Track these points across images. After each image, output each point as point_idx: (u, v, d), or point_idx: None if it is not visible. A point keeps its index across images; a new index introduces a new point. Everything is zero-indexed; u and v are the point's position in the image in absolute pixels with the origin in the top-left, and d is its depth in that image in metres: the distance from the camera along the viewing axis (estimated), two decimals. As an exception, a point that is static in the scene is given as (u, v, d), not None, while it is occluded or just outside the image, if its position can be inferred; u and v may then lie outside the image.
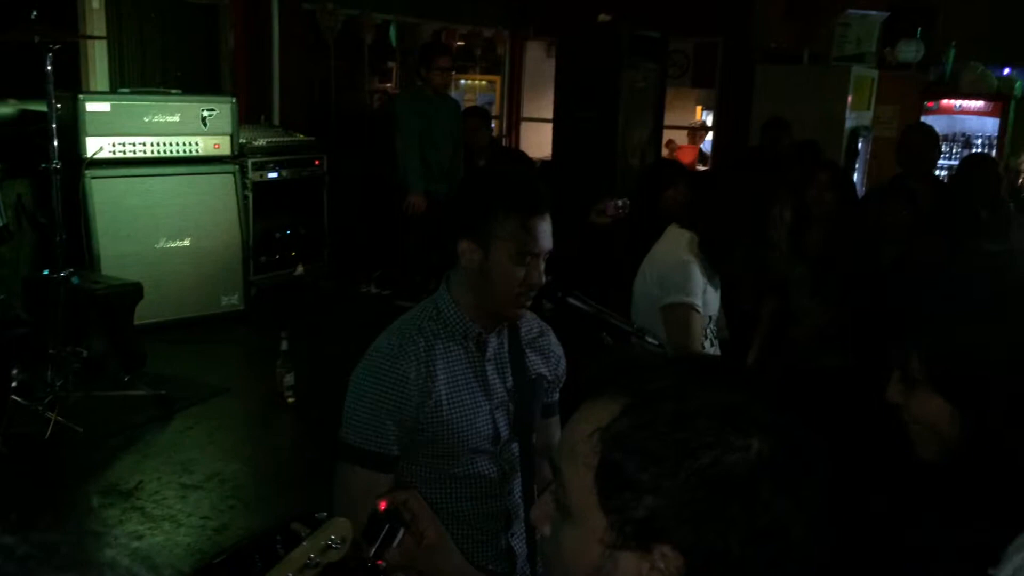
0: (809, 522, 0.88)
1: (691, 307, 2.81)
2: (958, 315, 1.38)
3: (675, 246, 2.94)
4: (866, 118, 8.65)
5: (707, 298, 2.92)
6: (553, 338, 2.17)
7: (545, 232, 1.91)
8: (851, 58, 7.99)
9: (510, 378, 2.03)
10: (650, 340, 2.34)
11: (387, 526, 1.33)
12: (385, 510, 1.34)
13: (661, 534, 0.87)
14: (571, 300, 2.38)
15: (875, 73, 8.53)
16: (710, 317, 2.97)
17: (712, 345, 2.97)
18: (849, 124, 8.16)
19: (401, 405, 1.86)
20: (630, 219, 5.30)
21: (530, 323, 2.11)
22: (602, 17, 6.07)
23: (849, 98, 8.03)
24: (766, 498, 0.86)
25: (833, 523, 0.92)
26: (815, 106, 7.67)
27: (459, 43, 9.22)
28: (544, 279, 1.94)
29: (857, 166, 8.54)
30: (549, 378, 2.13)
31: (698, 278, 2.86)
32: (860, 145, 8.48)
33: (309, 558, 1.30)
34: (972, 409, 1.33)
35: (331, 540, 1.35)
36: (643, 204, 4.76)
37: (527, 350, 2.09)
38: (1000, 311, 1.36)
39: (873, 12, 8.03)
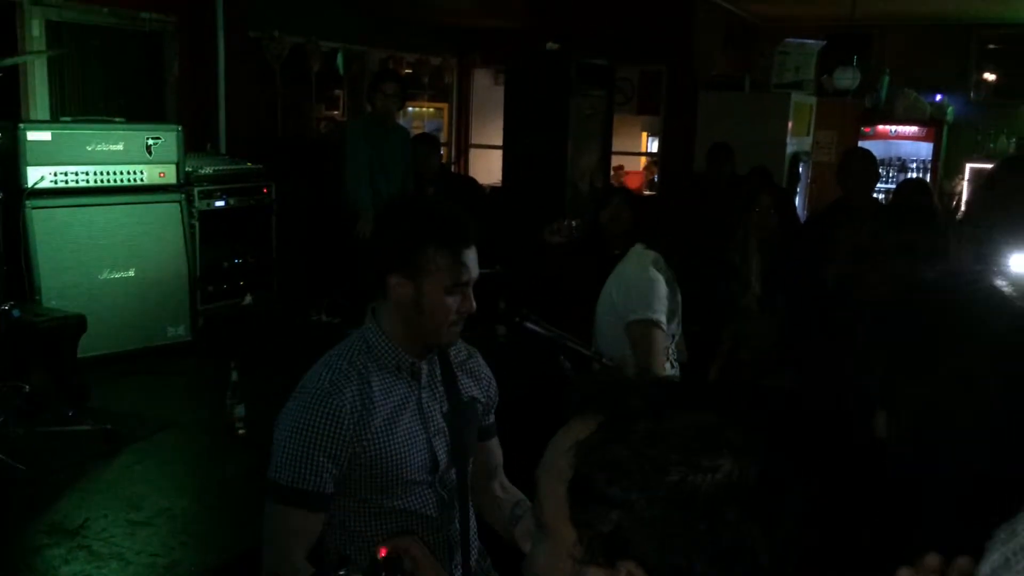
0: (777, 547, 0.88)
1: (655, 324, 2.88)
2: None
3: (640, 265, 3.00)
4: (806, 143, 8.90)
5: (670, 309, 2.97)
6: (480, 360, 2.19)
7: (474, 261, 1.94)
8: (790, 85, 8.23)
9: (445, 403, 2.03)
10: (606, 363, 2.37)
11: (386, 575, 1.30)
12: (385, 557, 1.30)
13: (627, 550, 0.88)
14: (528, 325, 2.40)
15: (813, 100, 8.79)
16: (672, 337, 3.02)
17: (672, 367, 3.02)
18: (790, 149, 8.39)
19: (336, 441, 1.84)
20: (580, 241, 5.39)
21: (457, 347, 2.12)
22: (550, 45, 6.16)
23: (789, 124, 8.25)
24: (732, 520, 0.86)
25: (803, 550, 0.93)
26: (757, 132, 7.88)
27: (407, 71, 9.26)
28: (475, 306, 1.96)
29: (799, 189, 8.76)
30: (482, 400, 2.15)
31: (663, 296, 2.91)
32: (801, 169, 8.70)
33: None
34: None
35: None
36: (589, 226, 4.87)
37: (458, 373, 2.11)
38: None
39: (810, 41, 8.28)
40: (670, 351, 3.06)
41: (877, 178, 5.59)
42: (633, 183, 9.54)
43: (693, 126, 8.28)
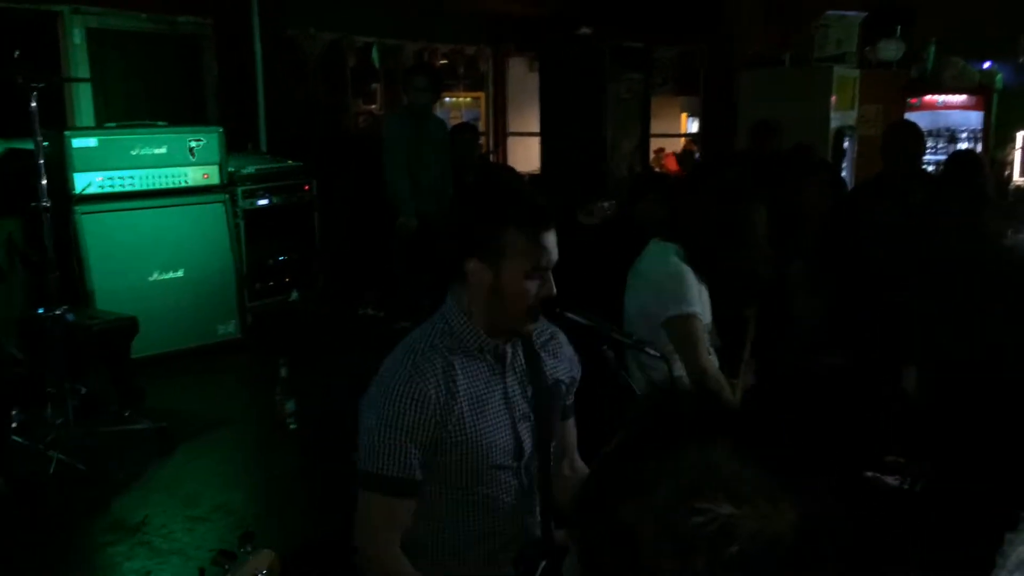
0: None
1: (693, 316, 2.84)
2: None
3: (663, 258, 2.94)
4: (850, 117, 8.70)
5: (702, 304, 2.93)
6: (563, 339, 2.15)
7: (554, 244, 1.90)
8: (832, 59, 8.04)
9: (529, 387, 2.01)
10: (650, 351, 2.34)
11: None
12: None
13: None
14: (570, 315, 2.38)
15: (857, 72, 8.58)
16: (708, 323, 2.99)
17: (710, 354, 2.98)
18: (834, 124, 8.20)
19: (422, 427, 1.82)
20: (614, 225, 5.35)
21: (540, 327, 2.07)
22: (583, 30, 6.10)
23: (832, 98, 8.07)
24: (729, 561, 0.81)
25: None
26: (799, 108, 7.71)
27: (442, 61, 9.25)
28: (555, 290, 1.93)
29: (844, 165, 8.59)
30: (565, 381, 2.12)
31: (693, 286, 2.88)
32: (846, 144, 8.52)
33: None
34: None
35: (259, 572, 1.34)
36: (622, 214, 4.83)
37: (542, 354, 2.08)
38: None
39: (852, 12, 8.09)
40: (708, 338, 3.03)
41: (922, 151, 5.45)
42: (674, 165, 9.44)
43: (734, 104, 8.15)
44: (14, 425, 3.68)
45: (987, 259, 3.18)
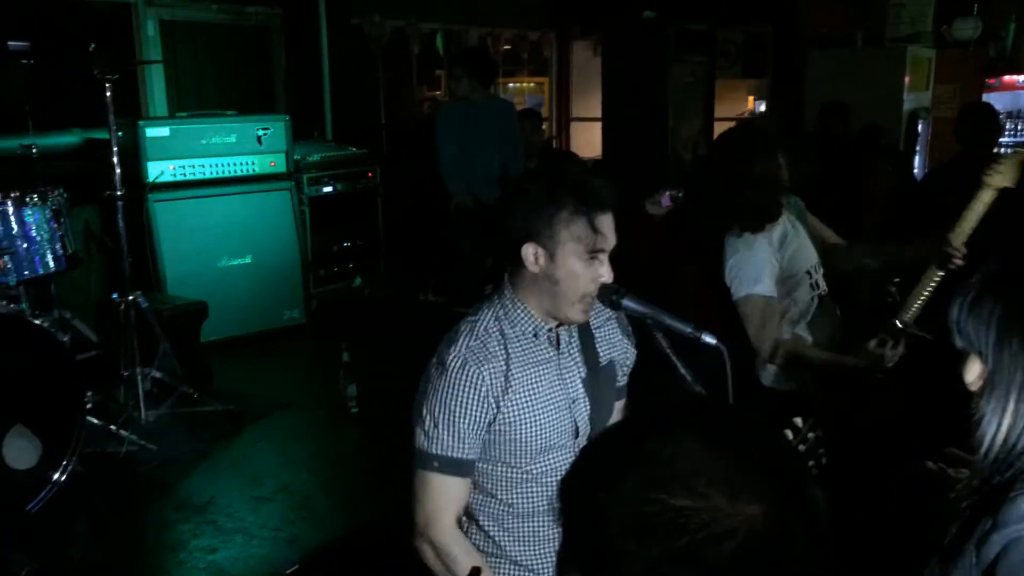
0: None
1: (758, 296, 2.85)
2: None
3: (730, 244, 2.95)
4: (925, 99, 8.45)
5: (788, 259, 2.92)
6: (621, 320, 2.15)
7: (611, 228, 1.89)
8: (906, 38, 7.82)
9: (584, 369, 2.02)
10: (707, 339, 2.32)
11: None
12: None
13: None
14: (626, 302, 2.37)
15: (932, 53, 8.32)
16: (808, 272, 2.97)
17: (820, 302, 2.98)
18: (908, 106, 7.99)
19: (477, 408, 1.85)
20: (681, 213, 5.30)
21: (599, 309, 2.05)
22: (647, 13, 6.03)
23: (907, 79, 7.85)
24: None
25: None
26: (871, 89, 7.53)
27: (505, 47, 9.25)
28: (612, 275, 1.92)
29: (918, 148, 8.34)
30: (620, 362, 2.13)
31: (761, 260, 2.86)
32: (920, 127, 8.28)
33: None
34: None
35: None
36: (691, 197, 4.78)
37: (597, 335, 2.08)
38: None
39: (927, -10, 7.83)
40: (813, 282, 2.99)
41: (998, 133, 5.26)
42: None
43: (802, 86, 7.98)
44: (89, 407, 3.81)
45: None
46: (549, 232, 1.85)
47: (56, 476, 3.50)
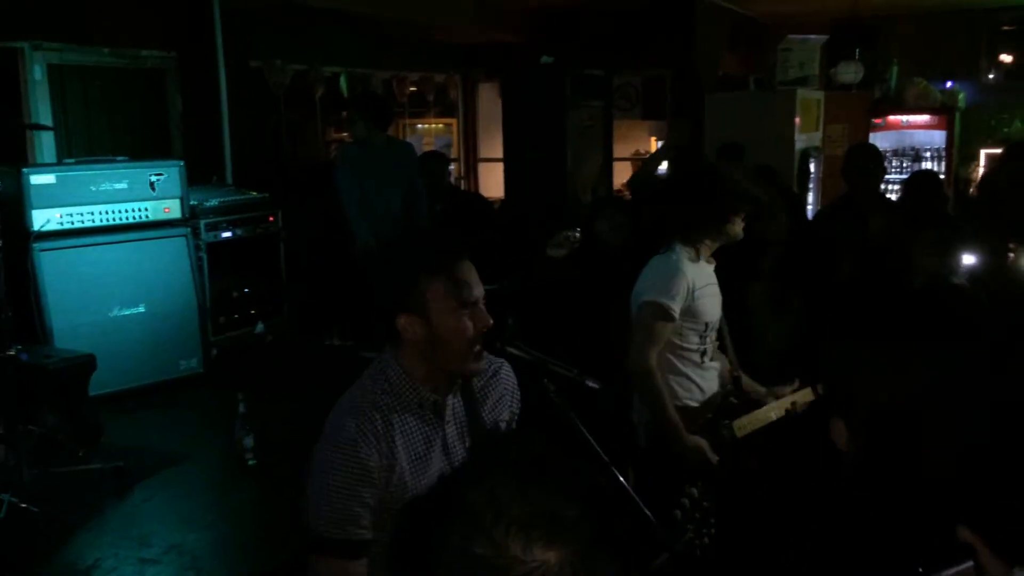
0: None
1: (661, 308, 2.87)
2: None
3: (662, 255, 3.00)
4: (816, 139, 8.80)
5: (698, 305, 2.95)
6: (506, 372, 2.16)
7: (474, 276, 1.92)
8: (795, 81, 8.15)
9: (469, 439, 2.01)
10: (590, 384, 2.35)
11: None
12: None
13: None
14: (510, 349, 2.39)
15: (821, 94, 8.69)
16: (706, 324, 3.01)
17: (711, 359, 3.02)
18: (799, 146, 8.30)
19: (367, 490, 1.84)
20: (581, 251, 5.37)
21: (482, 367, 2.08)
22: (545, 59, 6.16)
23: (797, 120, 8.17)
24: None
25: None
26: (765, 130, 7.81)
27: (412, 88, 9.30)
28: (491, 321, 1.94)
29: (811, 186, 8.66)
30: (506, 419, 2.13)
31: (682, 282, 2.90)
32: (812, 165, 8.61)
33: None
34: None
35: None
36: (587, 237, 4.87)
37: (482, 398, 2.08)
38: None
39: (812, 36, 8.19)
40: (706, 336, 3.03)
41: (881, 173, 5.51)
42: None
43: (700, 127, 8.23)
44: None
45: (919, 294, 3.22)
46: (416, 298, 1.87)
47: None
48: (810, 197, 8.68)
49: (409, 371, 1.94)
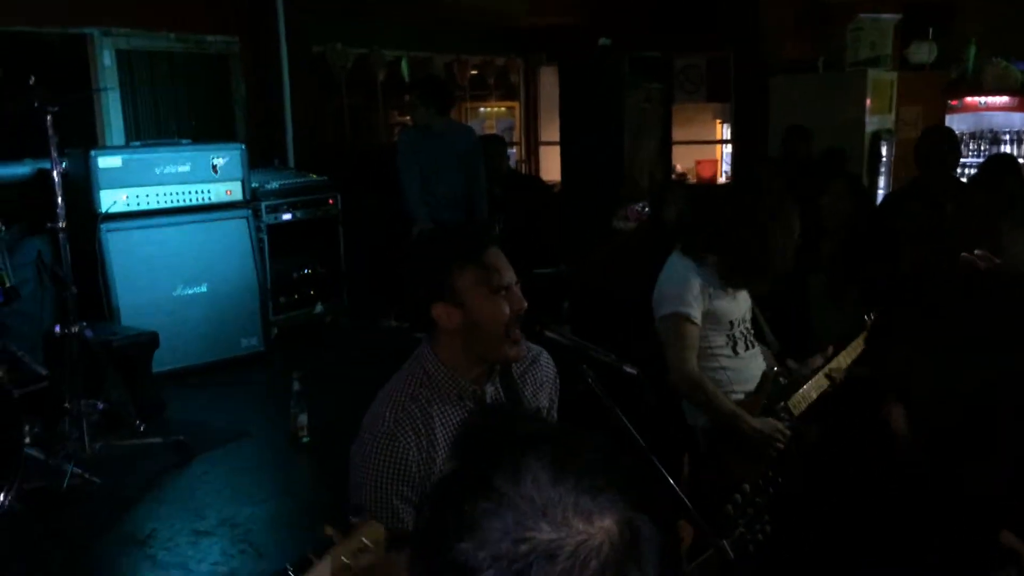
0: None
1: (681, 317, 2.82)
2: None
3: (670, 262, 2.96)
4: (888, 121, 8.52)
5: (716, 306, 2.90)
6: (545, 360, 2.15)
7: (503, 261, 1.92)
8: (867, 62, 7.89)
9: None
10: (627, 370, 2.31)
11: None
12: None
13: None
14: (549, 334, 2.37)
15: (894, 75, 8.40)
16: (730, 323, 2.95)
17: (747, 348, 2.97)
18: (870, 128, 8.05)
19: (405, 483, 1.84)
20: (645, 233, 5.31)
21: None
22: (602, 41, 6.08)
23: (868, 102, 7.92)
24: None
25: None
26: (834, 113, 7.59)
27: (472, 72, 9.30)
28: (525, 304, 1.94)
29: (881, 170, 8.40)
30: (546, 405, 2.12)
31: (695, 287, 2.84)
32: (883, 149, 8.34)
33: (342, 560, 1.31)
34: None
35: (364, 543, 1.35)
36: (654, 220, 4.80)
37: (522, 385, 2.08)
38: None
39: (885, 15, 7.92)
40: (735, 334, 2.97)
41: (956, 155, 5.31)
42: (707, 172, 9.33)
43: (766, 110, 8.04)
44: (27, 440, 3.76)
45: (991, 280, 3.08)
46: (448, 287, 1.88)
47: (-9, 512, 3.44)
48: (881, 182, 8.42)
49: (447, 361, 1.94)
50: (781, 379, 3.02)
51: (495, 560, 0.85)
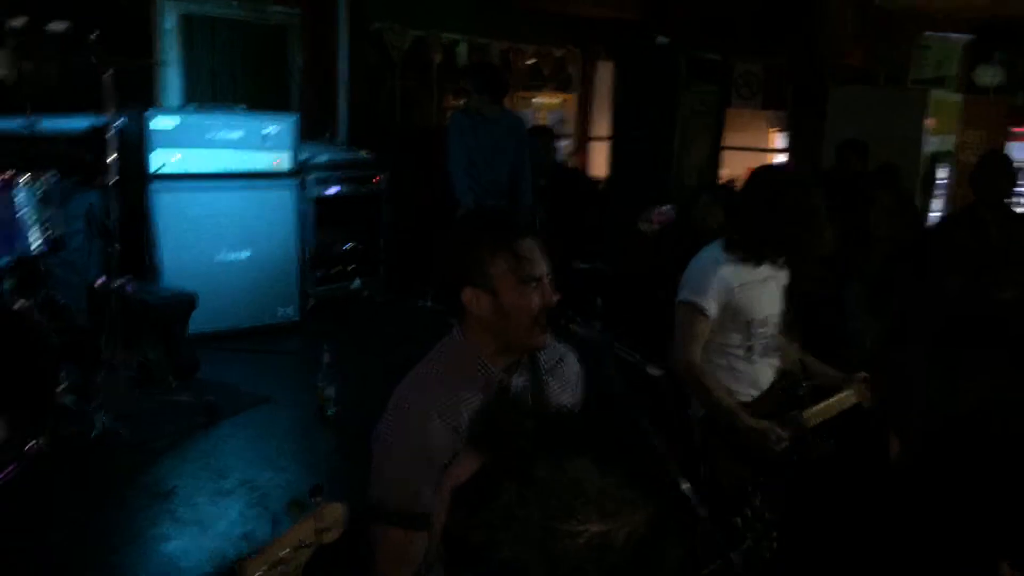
0: None
1: (695, 307, 2.81)
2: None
3: (702, 252, 2.93)
4: (948, 143, 8.35)
5: (739, 301, 2.86)
6: (571, 360, 2.16)
7: (536, 253, 1.93)
8: (930, 81, 7.74)
9: None
10: (651, 371, 2.31)
11: None
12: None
13: None
14: (574, 328, 2.37)
15: (958, 97, 8.23)
16: (749, 322, 2.91)
17: (763, 355, 2.94)
18: (928, 149, 7.89)
19: (428, 465, 1.82)
20: (673, 230, 5.28)
21: (550, 351, 2.10)
22: (660, 39, 6.03)
23: (928, 122, 7.76)
24: None
25: None
26: (891, 129, 7.45)
27: (529, 61, 9.28)
28: (555, 298, 1.95)
29: (937, 193, 8.23)
30: (570, 404, 2.13)
31: (717, 281, 2.81)
32: (941, 171, 8.18)
33: (299, 540, 1.41)
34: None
35: (324, 524, 1.41)
36: (683, 222, 4.78)
37: (548, 380, 2.09)
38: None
39: (954, 35, 7.75)
40: (755, 332, 2.94)
41: (1010, 185, 5.19)
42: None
43: (822, 122, 7.92)
44: (62, 387, 3.85)
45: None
46: (479, 272, 1.89)
47: (22, 452, 3.54)
48: (935, 204, 8.26)
49: (475, 348, 1.95)
50: (799, 391, 2.99)
51: (546, 555, 0.84)
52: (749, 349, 2.92)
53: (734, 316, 2.86)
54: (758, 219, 2.82)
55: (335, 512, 1.47)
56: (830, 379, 3.03)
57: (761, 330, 2.94)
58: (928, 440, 1.47)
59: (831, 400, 2.93)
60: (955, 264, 4.72)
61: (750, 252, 2.84)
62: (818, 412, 2.90)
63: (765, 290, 2.93)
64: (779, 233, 2.80)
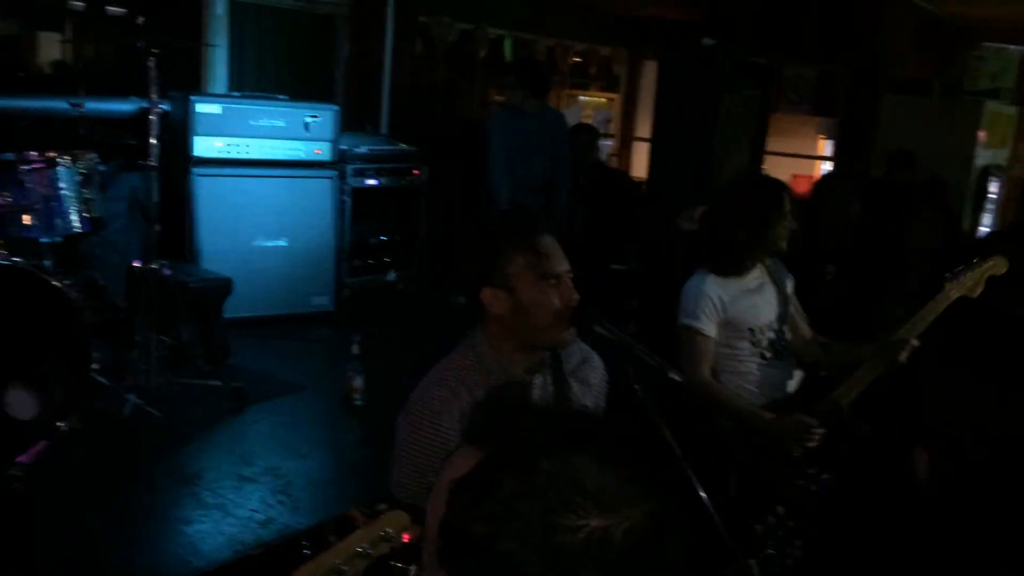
0: None
1: (693, 330, 2.87)
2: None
3: (696, 275, 2.99)
4: (1001, 157, 8.14)
5: (734, 315, 2.91)
6: (595, 363, 2.15)
7: (555, 248, 1.93)
8: (985, 93, 7.54)
9: None
10: (672, 376, 2.28)
11: None
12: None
13: None
14: (598, 328, 2.35)
15: (1013, 110, 8.02)
16: (751, 330, 2.95)
17: (778, 356, 2.95)
18: (981, 162, 7.70)
19: (443, 461, 1.85)
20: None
21: (573, 352, 2.09)
22: (705, 41, 5.96)
23: (982, 135, 7.58)
24: None
25: None
26: (943, 141, 7.29)
27: (575, 59, 9.24)
28: (576, 297, 1.94)
29: (988, 207, 8.04)
30: (592, 406, 2.11)
31: (705, 301, 2.88)
32: (993, 185, 7.98)
33: (361, 547, 1.29)
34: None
35: (385, 531, 1.35)
36: None
37: (571, 381, 2.07)
38: None
39: (1011, 47, 7.54)
40: (758, 339, 2.96)
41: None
42: (803, 188, 9.06)
43: (874, 131, 7.78)
44: (95, 367, 3.90)
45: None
46: (498, 271, 1.89)
47: (53, 429, 3.60)
48: (985, 219, 8.06)
49: (496, 347, 1.94)
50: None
51: (544, 549, 0.84)
52: (762, 355, 2.97)
53: (735, 328, 2.92)
54: (716, 231, 2.98)
55: (400, 520, 1.39)
56: (855, 355, 2.99)
57: (768, 334, 2.98)
58: (975, 460, 1.42)
59: (857, 373, 2.88)
60: (998, 282, 4.61)
61: (719, 264, 2.93)
62: (848, 388, 2.83)
63: (761, 296, 2.98)
64: (731, 237, 2.91)
